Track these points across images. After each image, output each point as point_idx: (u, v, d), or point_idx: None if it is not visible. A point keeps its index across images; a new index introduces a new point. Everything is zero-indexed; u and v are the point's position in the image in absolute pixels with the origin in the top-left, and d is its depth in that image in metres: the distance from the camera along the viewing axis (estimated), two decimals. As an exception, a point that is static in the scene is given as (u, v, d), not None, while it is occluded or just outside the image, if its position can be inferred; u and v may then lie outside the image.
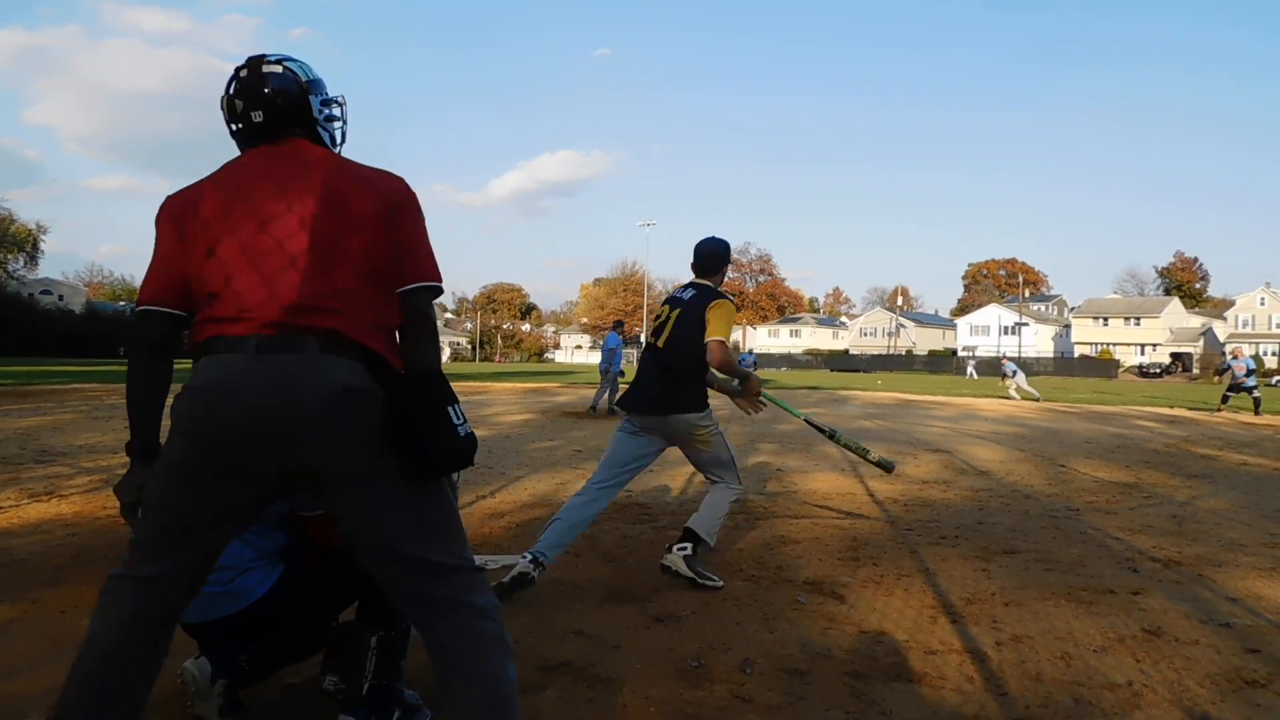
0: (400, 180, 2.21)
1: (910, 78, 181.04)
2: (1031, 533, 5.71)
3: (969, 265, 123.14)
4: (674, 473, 8.32)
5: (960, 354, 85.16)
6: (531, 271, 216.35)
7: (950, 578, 4.51)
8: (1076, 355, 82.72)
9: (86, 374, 26.79)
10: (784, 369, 75.53)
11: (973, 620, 3.80)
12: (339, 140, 2.39)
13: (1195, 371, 71.53)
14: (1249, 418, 18.62)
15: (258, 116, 2.21)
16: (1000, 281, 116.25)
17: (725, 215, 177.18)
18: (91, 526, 5.36)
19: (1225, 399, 20.42)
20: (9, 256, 70.20)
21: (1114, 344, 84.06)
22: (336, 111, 2.36)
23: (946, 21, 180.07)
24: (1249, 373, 19.91)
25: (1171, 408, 22.77)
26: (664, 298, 4.79)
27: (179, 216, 2.11)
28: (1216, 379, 37.09)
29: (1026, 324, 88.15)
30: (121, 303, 77.35)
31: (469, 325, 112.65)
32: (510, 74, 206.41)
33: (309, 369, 1.96)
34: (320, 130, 2.31)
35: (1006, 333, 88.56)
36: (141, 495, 2.10)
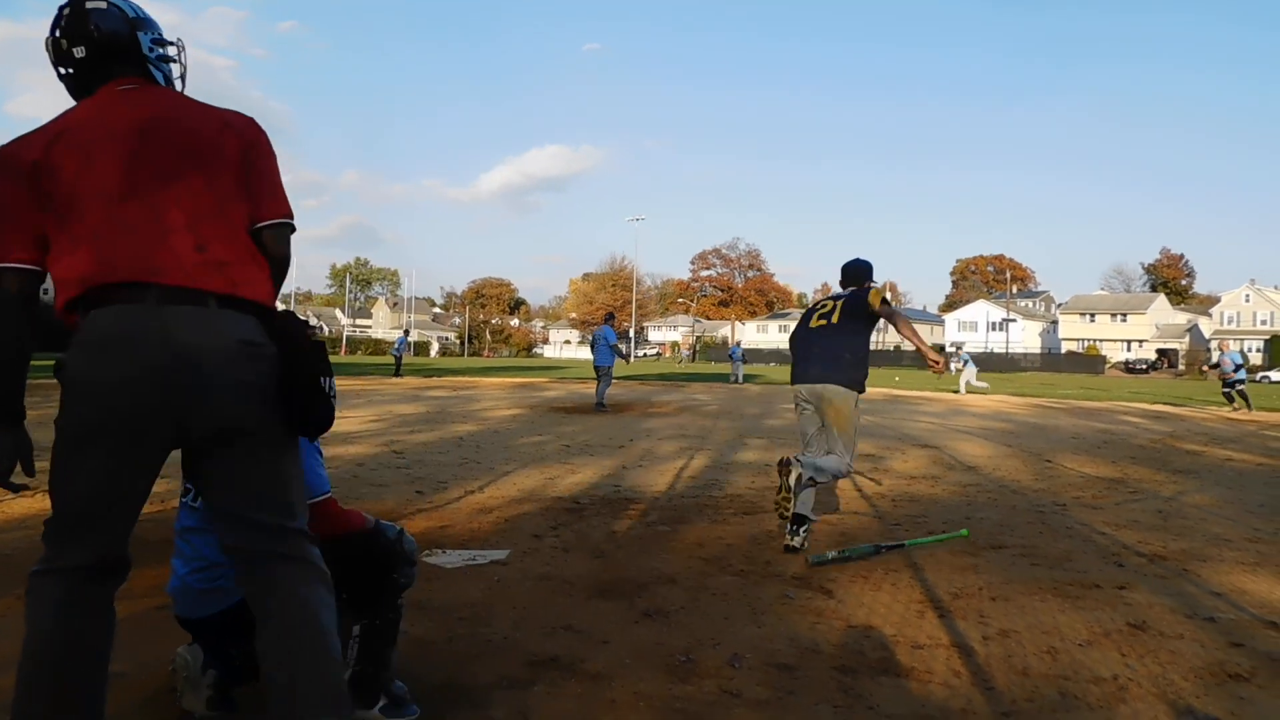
0: (251, 119, 2.24)
1: (900, 74, 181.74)
2: (1019, 528, 5.74)
3: (957, 261, 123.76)
4: (663, 468, 8.33)
5: (947, 349, 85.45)
6: (520, 266, 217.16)
7: (938, 573, 4.53)
8: (1064, 351, 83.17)
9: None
10: (773, 364, 75.69)
11: (960, 615, 3.81)
12: (176, 86, 2.35)
13: (1181, 368, 72.10)
14: (1237, 414, 18.75)
15: (80, 52, 2.15)
16: (988, 278, 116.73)
17: (714, 210, 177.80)
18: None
19: (1229, 396, 20.17)
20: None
21: (1101, 340, 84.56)
22: (172, 52, 2.32)
23: (936, 17, 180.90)
24: (1237, 367, 19.91)
25: (1153, 404, 22.90)
26: (823, 296, 6.09)
27: (23, 171, 2.02)
28: (1203, 372, 37.21)
29: (1014, 320, 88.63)
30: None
31: (457, 320, 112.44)
32: (500, 68, 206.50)
33: (213, 321, 1.99)
34: (153, 70, 2.25)
35: (994, 329, 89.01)
36: (12, 463, 2.08)
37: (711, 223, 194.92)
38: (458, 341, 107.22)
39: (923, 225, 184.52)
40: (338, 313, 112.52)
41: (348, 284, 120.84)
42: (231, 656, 2.57)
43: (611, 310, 21.04)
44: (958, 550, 5.03)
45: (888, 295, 5.35)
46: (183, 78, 2.37)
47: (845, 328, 5.24)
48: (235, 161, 2.14)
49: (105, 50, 2.16)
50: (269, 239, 2.18)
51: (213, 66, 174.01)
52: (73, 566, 1.98)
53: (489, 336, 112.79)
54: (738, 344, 34.90)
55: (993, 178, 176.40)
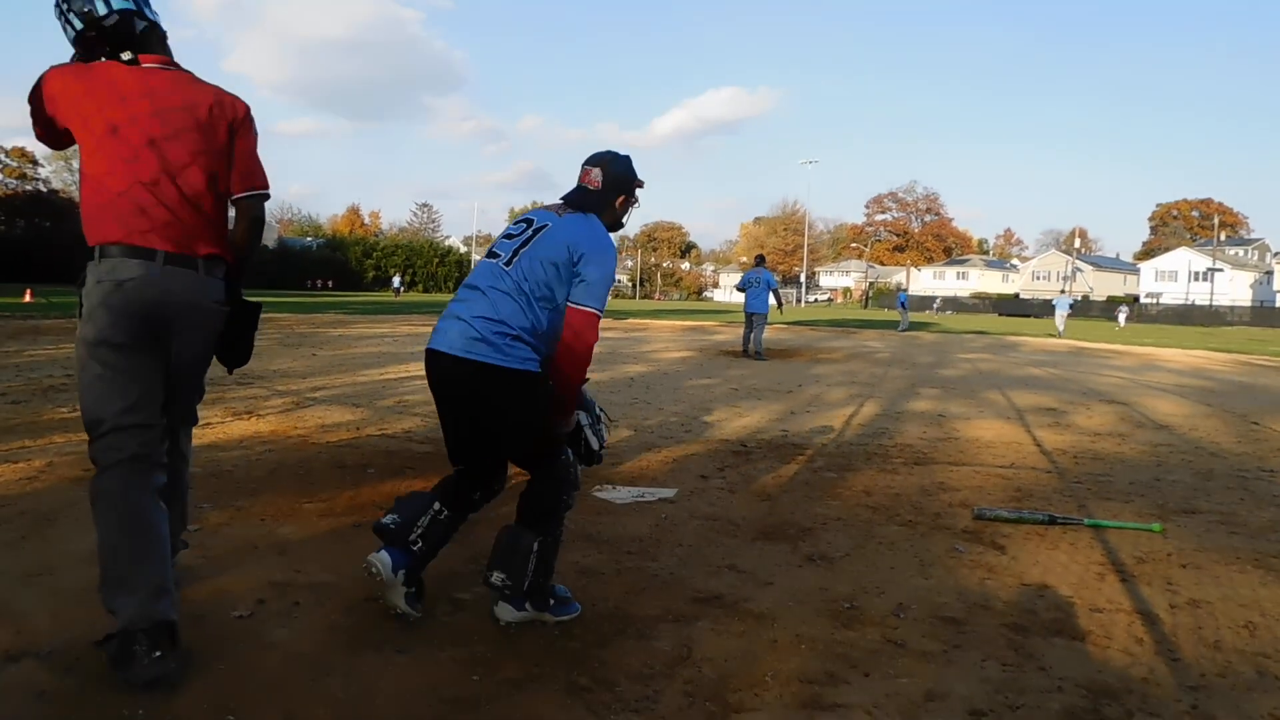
0: (238, 98, 2.83)
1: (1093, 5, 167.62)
2: (1216, 493, 5.36)
3: (1157, 206, 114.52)
4: (831, 414, 8.24)
5: (1143, 299, 79.78)
6: (692, 210, 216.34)
7: (1121, 535, 4.30)
8: (1279, 305, 75.91)
9: (279, 304, 28.79)
10: (949, 312, 72.89)
11: (1144, 581, 3.62)
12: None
13: None
14: None
15: (111, 20, 2.66)
16: (1193, 223, 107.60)
17: (890, 152, 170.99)
18: (285, 444, 5.81)
19: None
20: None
21: (1325, 292, 76.59)
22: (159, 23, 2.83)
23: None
24: None
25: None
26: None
27: (76, 99, 2.63)
28: None
29: (1221, 269, 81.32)
30: (309, 239, 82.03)
31: (629, 263, 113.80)
32: (677, 7, 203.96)
33: (200, 285, 2.72)
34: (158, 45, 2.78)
35: (1196, 279, 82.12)
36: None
37: (887, 165, 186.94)
38: (630, 284, 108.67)
39: (1119, 165, 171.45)
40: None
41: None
42: (409, 543, 2.91)
43: (761, 253, 19.51)
44: (1144, 512, 4.75)
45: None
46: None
47: None
48: (229, 138, 2.78)
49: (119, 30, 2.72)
50: (248, 205, 2.86)
51: (404, 19, 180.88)
52: (134, 424, 2.63)
53: (660, 280, 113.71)
54: (904, 290, 33.71)
55: (1201, 113, 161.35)
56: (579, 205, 3.06)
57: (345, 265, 67.88)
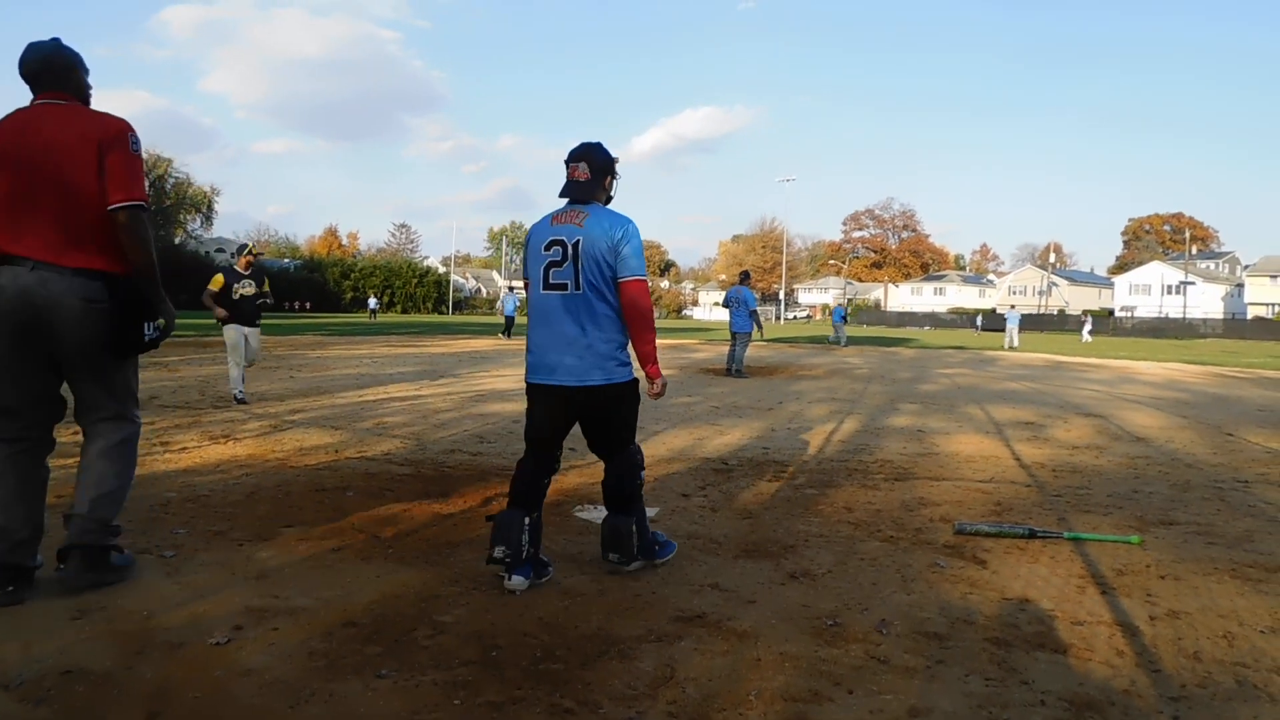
0: (114, 119, 3.21)
1: (1066, 13, 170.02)
2: (1193, 504, 5.40)
3: (1129, 220, 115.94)
4: (811, 431, 8.26)
5: (1118, 313, 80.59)
6: (670, 228, 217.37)
7: (1100, 547, 4.32)
8: (1250, 317, 76.80)
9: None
10: (927, 328, 73.31)
11: (1124, 592, 3.64)
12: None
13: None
14: None
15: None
16: (1165, 238, 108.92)
17: (867, 169, 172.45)
18: (263, 467, 5.76)
19: None
20: (188, 217, 74.60)
21: (1294, 304, 77.60)
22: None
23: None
24: None
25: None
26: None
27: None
28: None
29: (1193, 283, 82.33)
30: (286, 260, 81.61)
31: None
32: (654, 30, 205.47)
33: (71, 285, 3.10)
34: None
35: (1170, 292, 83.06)
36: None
37: (864, 183, 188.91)
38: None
39: (1092, 181, 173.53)
40: (495, 274, 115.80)
41: (504, 246, 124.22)
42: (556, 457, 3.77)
43: (746, 269, 19.70)
44: (1123, 524, 4.78)
45: None
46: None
47: None
48: (100, 156, 3.12)
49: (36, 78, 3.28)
50: (121, 217, 3.15)
51: (380, 39, 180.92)
52: (11, 437, 3.21)
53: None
54: (840, 306, 33.82)
55: (1171, 129, 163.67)
56: (579, 198, 3.66)
57: (323, 286, 67.71)
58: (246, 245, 10.31)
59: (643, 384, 3.74)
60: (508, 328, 30.36)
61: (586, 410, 3.64)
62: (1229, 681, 2.77)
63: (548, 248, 3.58)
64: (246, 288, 9.60)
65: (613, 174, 3.76)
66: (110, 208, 3.15)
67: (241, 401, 9.28)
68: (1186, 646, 3.06)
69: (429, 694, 2.55)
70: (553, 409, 3.64)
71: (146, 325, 3.31)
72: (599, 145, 3.74)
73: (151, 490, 4.94)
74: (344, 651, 2.83)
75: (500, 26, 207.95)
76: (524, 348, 3.75)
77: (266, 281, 10.10)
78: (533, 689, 2.60)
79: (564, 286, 3.55)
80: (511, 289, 41.51)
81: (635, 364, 3.70)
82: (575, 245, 3.52)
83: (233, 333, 9.50)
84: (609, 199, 3.79)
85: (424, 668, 2.73)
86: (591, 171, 3.65)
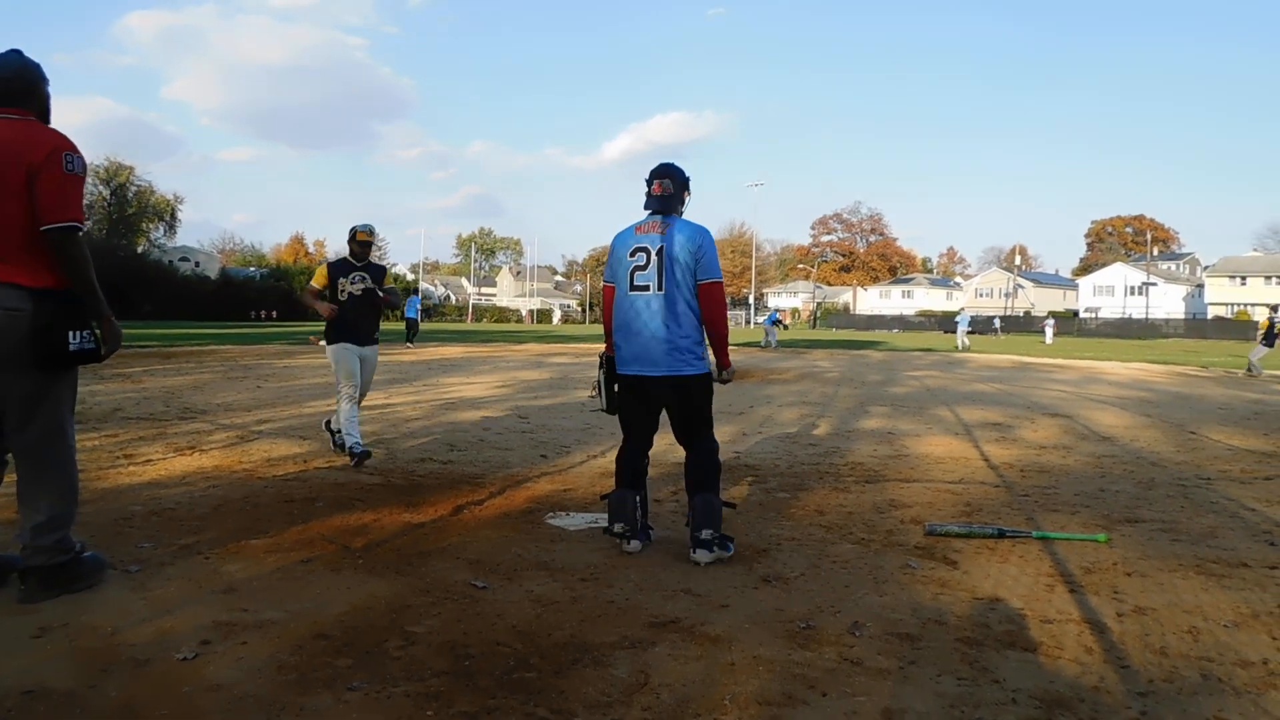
0: (45, 139, 3.16)
1: (1027, 18, 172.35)
2: (1157, 502, 5.48)
3: (1092, 223, 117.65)
4: (783, 435, 8.29)
5: (1082, 314, 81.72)
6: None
7: (1068, 546, 4.37)
8: (1210, 317, 78.15)
9: (222, 336, 28.27)
10: (895, 330, 73.90)
11: (1092, 590, 3.69)
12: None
13: (1345, 334, 66.57)
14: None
15: None
16: (1127, 239, 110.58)
17: (835, 173, 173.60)
18: (230, 479, 5.69)
19: None
20: (150, 226, 73.68)
21: (1252, 304, 78.97)
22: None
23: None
24: None
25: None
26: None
27: None
28: None
29: (1155, 284, 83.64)
30: (252, 269, 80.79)
31: (578, 288, 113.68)
32: (624, 35, 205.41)
33: None
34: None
35: (1132, 293, 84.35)
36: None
37: (832, 187, 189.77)
38: (579, 309, 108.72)
39: (1056, 185, 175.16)
40: (464, 281, 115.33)
41: (473, 253, 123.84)
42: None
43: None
44: (1090, 522, 4.84)
45: None
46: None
47: None
48: (33, 176, 3.10)
49: None
50: (54, 237, 3.15)
51: (347, 45, 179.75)
52: None
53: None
54: (774, 311, 34.22)
55: (1133, 133, 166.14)
56: (664, 210, 4.15)
57: (290, 295, 66.99)
58: (366, 226, 6.72)
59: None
60: (411, 333, 27.80)
61: (669, 398, 4.15)
62: (1194, 676, 2.81)
63: (632, 254, 4.11)
64: (357, 284, 6.54)
65: (688, 189, 4.29)
66: (43, 229, 3.14)
67: (362, 456, 6.26)
68: (1153, 642, 3.10)
69: (401, 706, 2.53)
70: (640, 396, 4.20)
71: (71, 334, 3.25)
72: (675, 166, 4.26)
73: (116, 504, 4.86)
74: (314, 664, 2.79)
75: (469, 33, 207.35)
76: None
77: (388, 276, 7.02)
78: (506, 698, 2.59)
79: (647, 288, 4.05)
80: (416, 290, 39.83)
81: (710, 359, 4.23)
82: (659, 251, 4.04)
83: (341, 353, 6.44)
84: (682, 211, 4.26)
85: (396, 679, 2.70)
86: (674, 187, 4.16)
